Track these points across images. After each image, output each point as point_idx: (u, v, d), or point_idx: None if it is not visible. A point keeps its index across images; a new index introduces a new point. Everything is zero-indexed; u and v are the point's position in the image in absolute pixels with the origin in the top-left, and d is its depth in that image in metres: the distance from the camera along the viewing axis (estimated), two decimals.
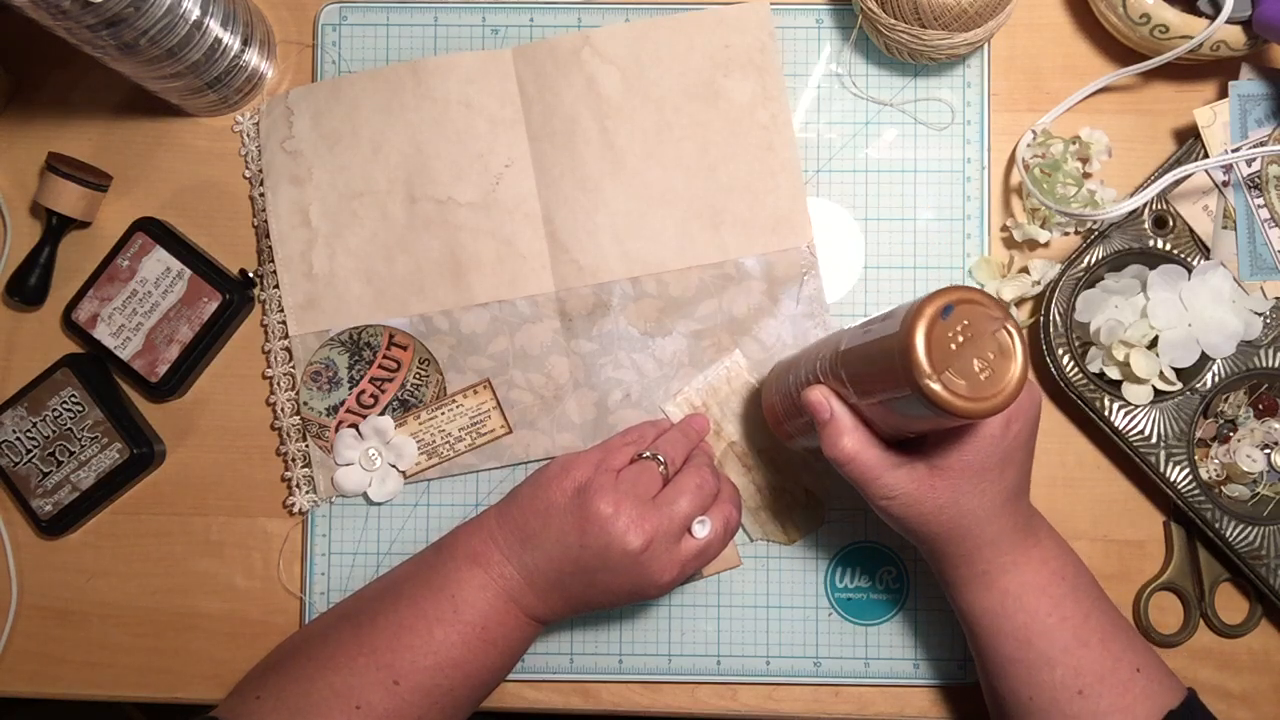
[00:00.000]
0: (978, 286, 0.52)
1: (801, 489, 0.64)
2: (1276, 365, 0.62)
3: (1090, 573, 0.55)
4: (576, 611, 0.58)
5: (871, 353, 0.46)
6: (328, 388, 0.64)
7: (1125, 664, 0.52)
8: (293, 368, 0.65)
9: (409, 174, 0.64)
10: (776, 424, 0.59)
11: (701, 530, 0.56)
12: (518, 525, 0.57)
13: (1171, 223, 0.63)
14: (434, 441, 0.64)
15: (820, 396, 0.50)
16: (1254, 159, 0.62)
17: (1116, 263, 0.63)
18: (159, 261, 0.63)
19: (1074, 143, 0.63)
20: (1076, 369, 0.62)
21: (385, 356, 0.64)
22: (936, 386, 0.42)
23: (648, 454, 0.58)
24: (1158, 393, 0.62)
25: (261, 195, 0.65)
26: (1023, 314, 0.64)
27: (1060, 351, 0.62)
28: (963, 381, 0.42)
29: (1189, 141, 0.63)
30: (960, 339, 0.43)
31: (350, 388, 0.64)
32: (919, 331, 0.42)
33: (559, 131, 0.64)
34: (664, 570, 0.55)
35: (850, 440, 0.49)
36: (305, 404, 0.64)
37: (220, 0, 0.60)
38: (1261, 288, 0.63)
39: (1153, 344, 0.60)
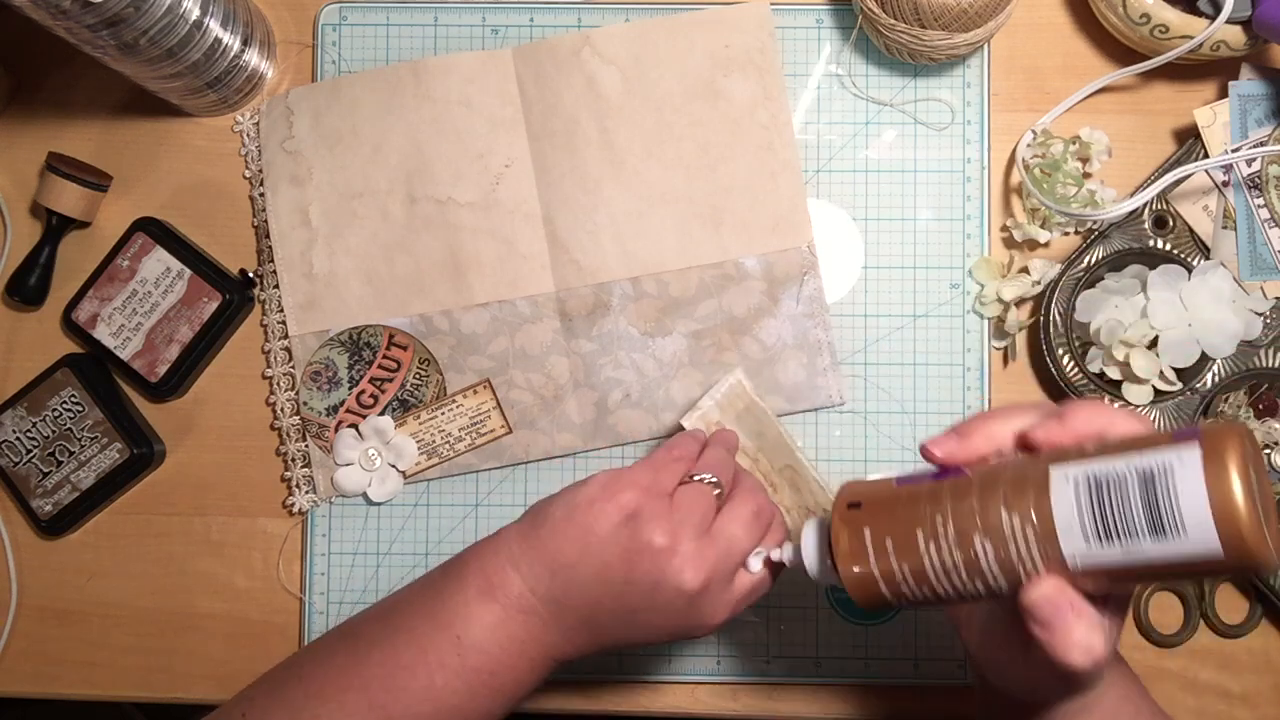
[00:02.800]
0: (1238, 424, 0.36)
1: (821, 509, 0.61)
2: (1276, 365, 0.62)
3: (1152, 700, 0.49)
4: (604, 650, 0.51)
5: (1172, 561, 0.34)
6: (328, 388, 0.64)
7: None
8: (292, 368, 0.65)
9: (409, 174, 0.64)
10: (895, 593, 0.42)
11: (757, 564, 0.49)
12: (548, 552, 0.49)
13: (1171, 223, 0.63)
14: (434, 441, 0.64)
15: (1065, 602, 0.37)
16: (1254, 159, 0.62)
17: (1116, 263, 0.63)
18: (159, 261, 0.63)
19: (1074, 143, 0.63)
20: (1076, 369, 0.62)
21: (385, 356, 0.64)
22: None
23: (699, 475, 0.51)
24: (1158, 393, 0.62)
25: (261, 195, 0.65)
26: (1023, 314, 0.64)
27: (1060, 351, 0.62)
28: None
29: (1189, 141, 0.63)
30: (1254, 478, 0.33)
31: (350, 388, 0.64)
32: (1248, 521, 0.32)
33: (559, 131, 0.64)
34: (717, 611, 0.49)
35: (1103, 639, 0.38)
36: (305, 404, 0.64)
37: (220, 0, 0.60)
38: (1261, 288, 0.63)
39: (1153, 344, 0.60)
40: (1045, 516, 0.36)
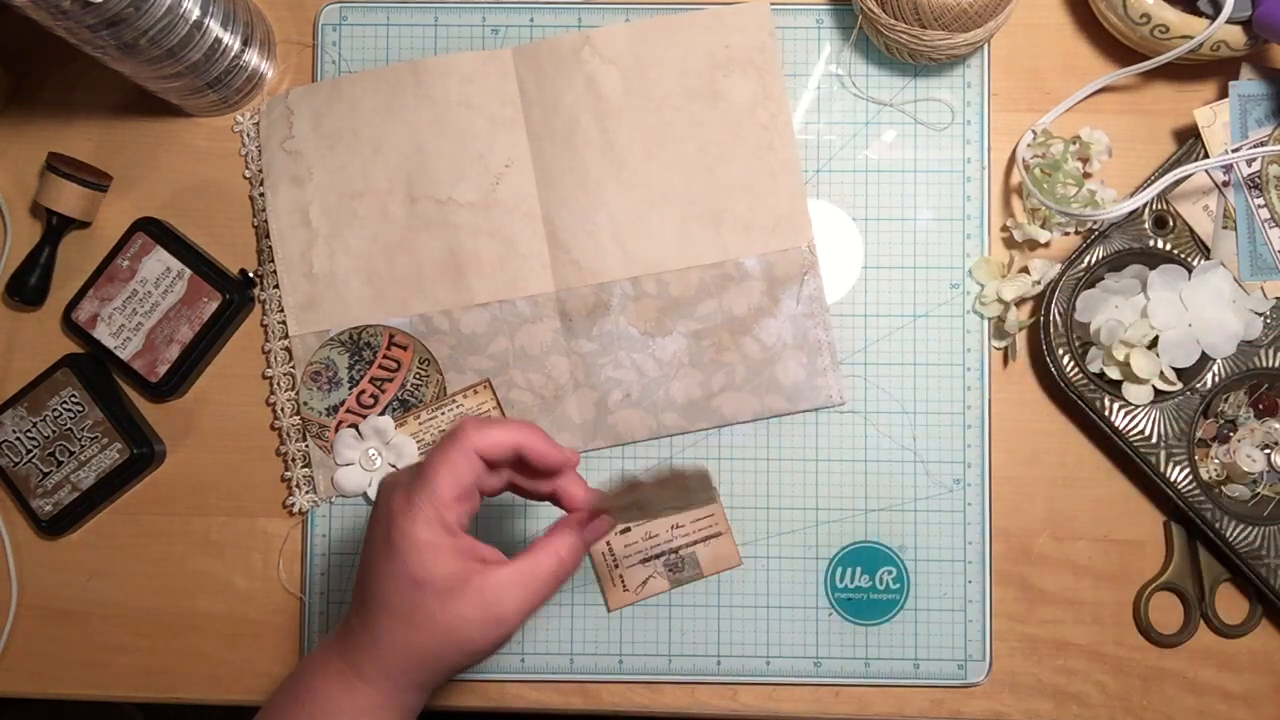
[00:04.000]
0: None
1: (668, 467, 0.53)
2: (1276, 365, 0.62)
3: None
4: (441, 670, 0.48)
5: None
6: (328, 388, 0.64)
7: None
8: (293, 368, 0.65)
9: (409, 174, 0.64)
10: None
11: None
12: (357, 594, 0.49)
13: (1171, 223, 0.63)
14: (434, 442, 0.64)
15: None
16: (1254, 159, 0.62)
17: (1116, 263, 0.63)
18: (159, 261, 0.64)
19: (1074, 143, 0.63)
20: (1076, 369, 0.62)
21: (385, 356, 0.64)
22: None
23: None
24: (1158, 393, 0.62)
25: (261, 195, 0.65)
26: (1023, 314, 0.64)
27: (1060, 351, 0.62)
28: None
29: (1189, 141, 0.63)
30: None
31: (350, 388, 0.64)
32: None
33: (559, 131, 0.64)
34: (431, 549, 0.46)
35: None
36: (305, 404, 0.64)
37: (220, 0, 0.60)
38: (1261, 288, 0.63)
39: (1153, 344, 0.60)
40: None
